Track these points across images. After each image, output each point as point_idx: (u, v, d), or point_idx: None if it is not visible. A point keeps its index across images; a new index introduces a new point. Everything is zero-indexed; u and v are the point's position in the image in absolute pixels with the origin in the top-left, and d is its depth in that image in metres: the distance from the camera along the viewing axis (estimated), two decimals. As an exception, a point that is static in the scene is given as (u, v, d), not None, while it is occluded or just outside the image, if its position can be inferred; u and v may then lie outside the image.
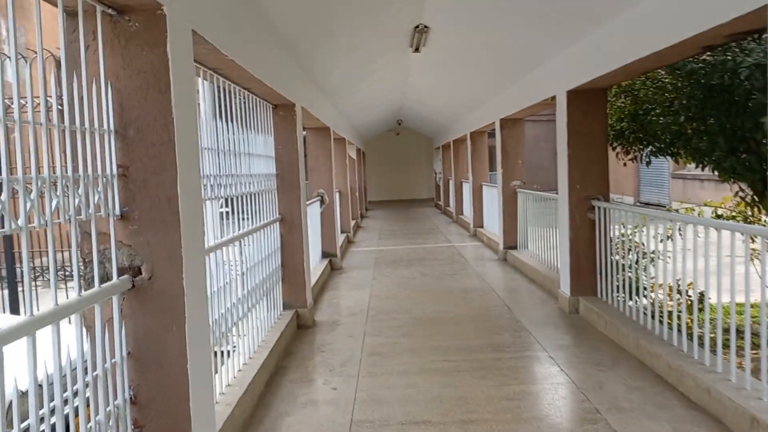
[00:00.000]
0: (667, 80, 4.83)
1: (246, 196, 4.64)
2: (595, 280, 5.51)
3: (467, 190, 13.38)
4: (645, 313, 4.65)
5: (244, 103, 4.74)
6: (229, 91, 4.44)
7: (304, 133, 8.92)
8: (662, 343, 4.10)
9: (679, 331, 4.02)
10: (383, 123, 18.44)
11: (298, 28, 4.87)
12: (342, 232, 11.76)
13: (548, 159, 23.08)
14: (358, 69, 7.67)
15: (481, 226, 11.83)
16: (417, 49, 7.29)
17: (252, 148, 4.82)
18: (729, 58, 3.88)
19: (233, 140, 4.40)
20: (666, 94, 4.80)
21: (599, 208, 5.40)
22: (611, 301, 5.20)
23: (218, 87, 4.04)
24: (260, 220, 4.99)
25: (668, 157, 5.97)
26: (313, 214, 8.22)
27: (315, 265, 7.94)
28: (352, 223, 13.67)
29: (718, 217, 6.30)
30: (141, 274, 2.33)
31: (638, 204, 18.54)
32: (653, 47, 3.80)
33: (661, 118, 4.74)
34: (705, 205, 6.57)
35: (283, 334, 4.97)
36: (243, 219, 4.63)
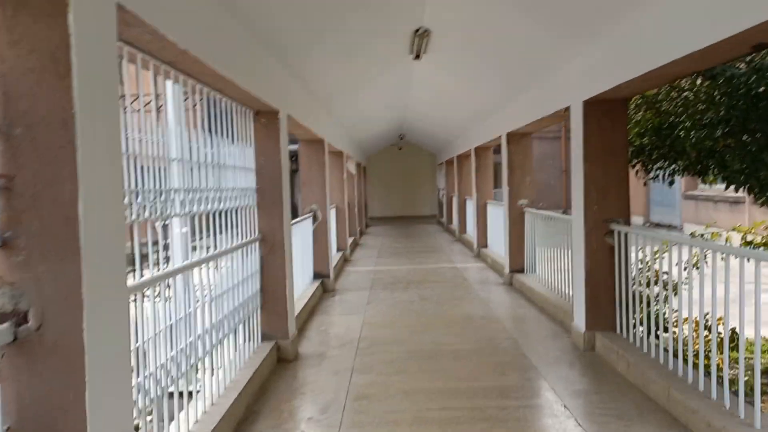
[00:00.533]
0: (701, 89, 4.24)
1: (218, 213, 4.06)
2: (613, 313, 4.87)
3: (471, 208, 12.77)
4: (675, 356, 4.01)
5: (217, 107, 4.17)
6: (202, 95, 3.88)
7: (296, 146, 8.36)
8: (699, 396, 3.46)
9: (720, 382, 3.38)
10: (385, 137, 17.90)
11: (282, 25, 4.30)
12: (338, 250, 11.16)
13: (555, 177, 22.50)
14: (355, 76, 7.12)
15: (486, 246, 11.20)
16: (418, 56, 6.72)
17: (226, 159, 4.23)
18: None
19: (201, 150, 3.83)
20: (698, 105, 4.21)
21: (619, 232, 4.79)
22: (632, 338, 4.56)
23: (189, 89, 3.48)
24: (235, 240, 4.40)
25: (694, 177, 5.36)
26: (303, 232, 7.63)
27: (305, 288, 7.33)
28: (350, 240, 13.07)
29: (748, 243, 5.67)
30: (27, 322, 1.73)
31: (648, 225, 17.89)
32: (692, 46, 3.21)
33: (692, 133, 4.15)
34: (733, 229, 5.94)
35: (259, 370, 4.34)
36: (213, 238, 4.04)
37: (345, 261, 11.11)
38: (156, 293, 3.01)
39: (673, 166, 4.95)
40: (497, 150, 10.66)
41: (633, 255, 4.69)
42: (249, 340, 4.76)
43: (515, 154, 8.17)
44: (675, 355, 4.10)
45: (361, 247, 13.78)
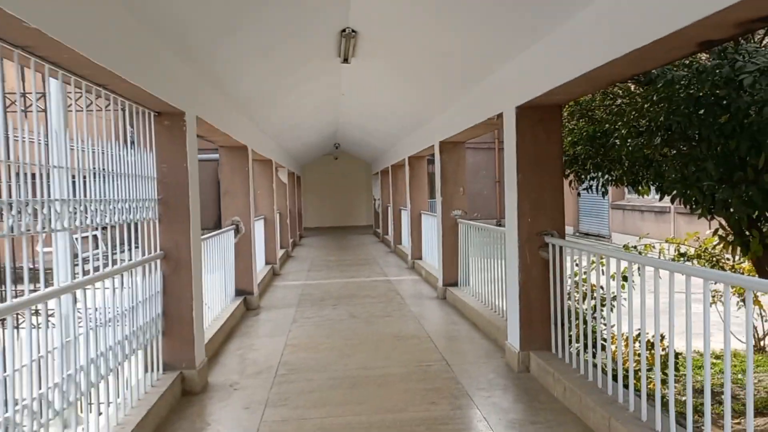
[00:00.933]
0: (636, 96, 4.01)
1: (110, 227, 3.49)
2: (548, 331, 4.57)
3: (406, 218, 12.44)
4: (613, 377, 3.73)
5: (102, 107, 3.60)
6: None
7: (216, 155, 7.76)
8: (641, 425, 3.15)
9: (665, 408, 3.09)
10: (319, 146, 17.40)
11: (180, 15, 3.77)
12: (267, 263, 10.56)
13: (489, 188, 22.60)
14: (277, 78, 6.61)
15: (420, 258, 10.87)
16: (346, 59, 6.29)
17: (116, 166, 3.66)
18: (724, 62, 3.06)
19: (89, 156, 3.27)
20: (634, 113, 3.96)
21: (554, 245, 4.50)
22: (568, 358, 4.25)
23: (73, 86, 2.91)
24: (131, 257, 3.81)
25: (627, 187, 5.17)
26: (224, 246, 7.04)
27: (224, 308, 6.72)
28: (281, 252, 12.48)
29: (682, 255, 5.53)
30: None
31: (578, 234, 18.14)
32: (630, 45, 2.92)
33: (628, 141, 3.90)
34: (667, 241, 5.80)
35: (155, 408, 3.76)
36: (107, 255, 3.46)
37: (274, 275, 10.52)
38: (19, 320, 2.44)
39: (606, 176, 4.72)
40: (432, 160, 10.41)
41: (568, 269, 4.41)
42: (149, 370, 4.17)
43: (448, 163, 7.87)
44: (614, 378, 3.82)
45: (293, 259, 13.19)
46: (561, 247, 4.45)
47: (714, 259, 5.32)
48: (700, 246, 5.62)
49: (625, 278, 4.82)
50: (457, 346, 5.48)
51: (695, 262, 5.40)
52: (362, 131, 13.62)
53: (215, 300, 6.44)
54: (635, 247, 5.58)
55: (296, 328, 6.39)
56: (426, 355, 5.17)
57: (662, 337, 4.13)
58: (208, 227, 9.41)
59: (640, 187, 4.95)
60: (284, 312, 7.32)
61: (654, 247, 5.64)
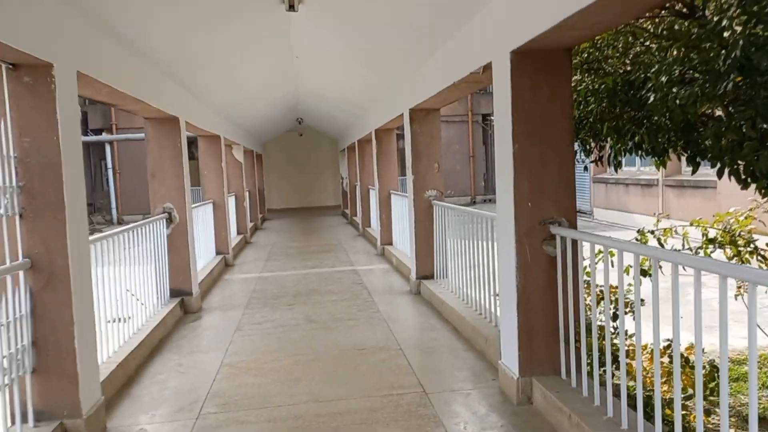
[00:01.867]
0: (681, 29, 2.90)
1: None
2: (556, 349, 3.49)
3: (374, 199, 11.29)
4: (647, 417, 2.68)
5: None
6: None
7: (141, 134, 6.46)
8: None
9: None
10: (281, 122, 16.04)
11: None
12: (217, 253, 9.32)
13: (462, 163, 21.55)
14: (208, 33, 5.33)
15: (391, 243, 9.75)
16: (292, 6, 5.04)
17: None
18: None
19: None
20: (681, 51, 2.86)
21: (563, 238, 3.40)
22: (586, 388, 3.18)
23: None
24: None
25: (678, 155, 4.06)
26: (154, 238, 5.81)
27: (152, 315, 5.51)
28: (237, 240, 11.24)
29: (710, 242, 4.48)
30: None
31: (558, 210, 17.21)
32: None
33: (673, 90, 2.79)
34: (692, 224, 4.75)
35: (3, 494, 2.58)
36: None
37: (226, 267, 9.29)
38: None
39: (629, 143, 3.62)
40: (403, 134, 9.24)
41: (584, 268, 3.33)
42: (14, 423, 3.00)
43: (420, 135, 6.70)
44: (648, 416, 2.78)
45: (251, 246, 11.95)
46: (573, 240, 3.36)
47: (751, 245, 4.30)
48: (729, 228, 4.58)
49: (644, 273, 3.80)
50: (435, 364, 4.38)
51: (728, 250, 4.36)
52: (325, 103, 12.34)
53: (138, 307, 5.24)
54: (652, 232, 4.52)
55: (239, 339, 5.22)
56: (397, 378, 4.05)
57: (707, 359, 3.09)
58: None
59: (694, 159, 3.86)
60: (229, 316, 6.14)
61: (676, 231, 4.58)
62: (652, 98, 3.12)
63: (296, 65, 8.40)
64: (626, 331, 3.54)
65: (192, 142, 8.96)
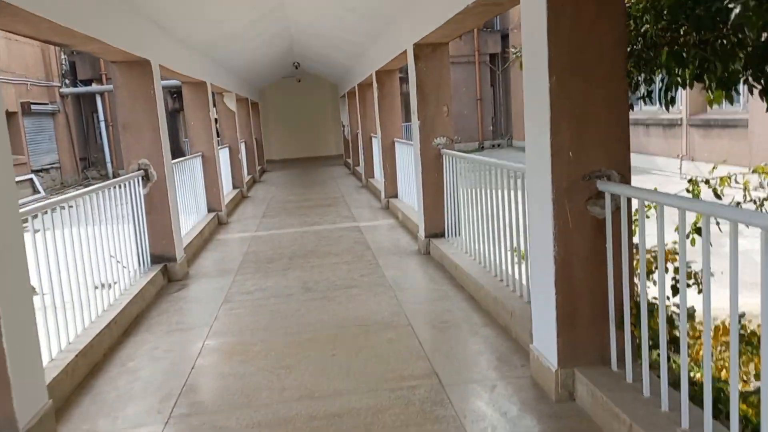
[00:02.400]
0: None
1: None
2: (605, 335, 2.81)
3: (377, 147, 10.50)
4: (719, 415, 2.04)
5: None
6: None
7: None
8: None
9: None
10: (276, 66, 15.06)
11: None
12: (210, 210, 8.65)
13: (469, 107, 20.54)
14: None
15: (396, 196, 9.03)
16: None
17: None
18: None
19: None
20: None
21: (613, 196, 2.68)
22: (646, 385, 2.51)
23: None
24: None
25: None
26: (130, 198, 5.12)
27: (126, 287, 4.85)
28: (231, 195, 10.55)
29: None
30: None
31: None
32: None
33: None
34: (755, 171, 3.99)
35: None
36: None
37: (219, 225, 8.63)
38: None
39: (696, 71, 2.84)
40: (405, 79, 8.38)
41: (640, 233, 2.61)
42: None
43: (427, 74, 5.87)
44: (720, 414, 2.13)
45: (248, 201, 11.27)
46: (628, 199, 2.64)
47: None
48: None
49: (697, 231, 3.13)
50: (452, 344, 3.73)
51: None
52: (321, 43, 11.37)
53: (117, 271, 4.59)
54: (707, 181, 3.78)
55: (226, 314, 4.59)
56: (407, 365, 3.41)
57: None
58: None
59: (730, 91, 3.09)
60: (217, 283, 5.51)
61: (735, 178, 3.83)
62: (738, 10, 2.33)
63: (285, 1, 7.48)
64: (692, 308, 2.87)
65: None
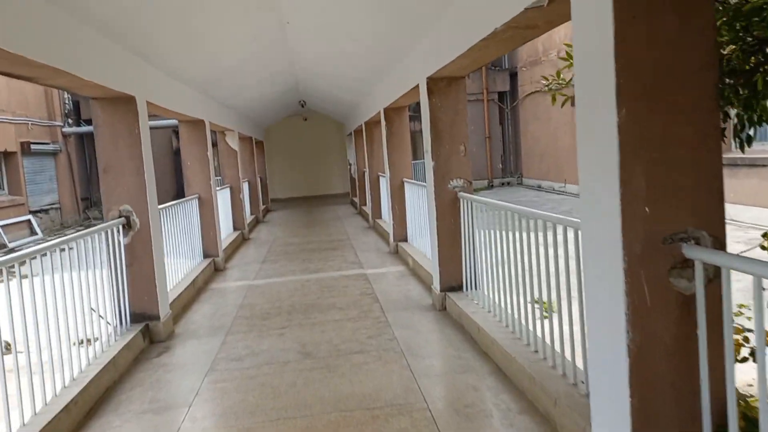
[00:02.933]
0: None
1: None
2: (697, 450, 2.08)
3: (385, 187, 9.87)
4: None
5: None
6: None
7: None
8: None
9: None
10: (281, 104, 14.59)
11: None
12: (205, 256, 7.97)
13: (477, 144, 20.00)
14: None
15: (405, 240, 8.35)
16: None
17: None
18: None
19: None
20: None
21: (706, 266, 1.99)
22: None
23: None
24: None
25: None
26: (108, 249, 4.45)
27: (98, 353, 4.13)
28: (231, 238, 9.89)
29: None
30: None
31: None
32: None
33: None
34: None
35: None
36: None
37: (215, 272, 7.94)
38: None
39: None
40: (416, 115, 7.80)
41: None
42: None
43: (442, 110, 5.25)
44: None
45: (249, 243, 10.60)
46: (727, 272, 1.94)
47: None
48: None
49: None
50: (482, 437, 2.98)
51: None
52: (328, 81, 10.87)
53: (95, 327, 3.88)
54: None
55: (209, 389, 3.86)
56: (428, 471, 2.66)
57: None
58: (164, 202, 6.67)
59: None
60: (204, 346, 4.78)
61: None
62: None
63: (288, 33, 6.95)
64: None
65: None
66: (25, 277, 3.36)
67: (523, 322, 3.82)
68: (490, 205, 4.40)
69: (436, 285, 5.44)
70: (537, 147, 18.61)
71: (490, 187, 19.70)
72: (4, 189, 14.46)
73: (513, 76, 20.14)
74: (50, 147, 16.13)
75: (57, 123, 16.82)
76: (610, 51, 2.04)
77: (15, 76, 3.47)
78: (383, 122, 8.40)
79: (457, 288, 5.29)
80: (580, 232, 2.53)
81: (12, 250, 13.10)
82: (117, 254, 4.78)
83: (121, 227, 4.87)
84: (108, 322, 4.71)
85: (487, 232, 4.56)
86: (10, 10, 3.02)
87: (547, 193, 17.06)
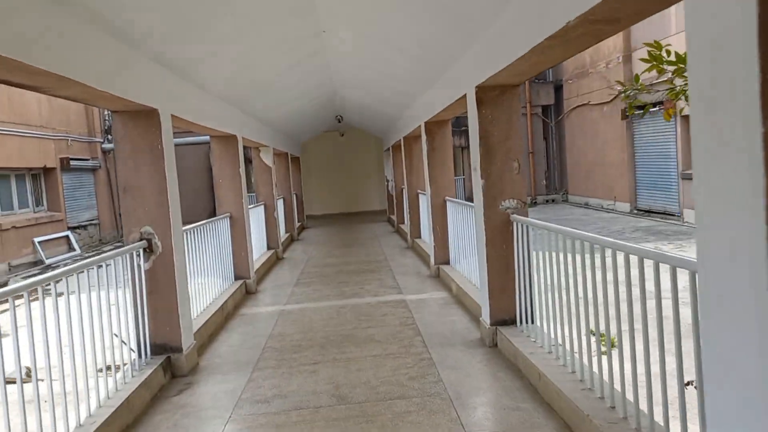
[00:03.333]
0: None
1: None
2: None
3: (425, 206, 9.36)
4: None
5: None
6: None
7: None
8: None
9: None
10: (318, 119, 14.29)
11: None
12: (237, 278, 7.59)
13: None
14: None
15: (447, 263, 7.80)
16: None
17: None
18: None
19: None
20: None
21: None
22: None
23: None
24: None
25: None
26: (131, 272, 4.06)
27: (114, 389, 3.71)
28: (264, 258, 9.52)
29: None
30: None
31: (636, 212, 14.85)
32: None
33: None
34: None
35: None
36: None
37: (246, 294, 7.53)
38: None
39: None
40: (460, 129, 7.29)
41: None
42: None
43: (493, 123, 4.72)
44: None
45: (283, 263, 10.21)
46: None
47: None
48: None
49: None
50: None
51: None
52: (366, 94, 10.47)
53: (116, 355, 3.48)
54: None
55: (231, 439, 3.39)
56: None
57: None
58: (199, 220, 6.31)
59: None
60: (229, 385, 4.32)
61: None
62: None
63: (325, 44, 6.55)
64: None
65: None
66: (60, 295, 2.99)
67: (595, 369, 3.23)
68: (551, 230, 3.82)
69: (486, 318, 4.88)
70: (583, 163, 17.82)
71: (534, 204, 18.97)
72: (43, 204, 14.51)
73: (558, 89, 19.46)
74: (89, 163, 16.19)
75: (97, 139, 16.92)
76: (752, 37, 1.50)
77: (16, 84, 3.10)
78: (424, 136, 7.91)
79: (510, 322, 4.72)
80: (697, 276, 1.95)
81: (49, 267, 13.05)
82: (137, 280, 4.40)
83: (142, 251, 4.48)
84: (132, 349, 4.37)
85: (542, 253, 4.00)
86: (41, 29, 2.66)
87: (595, 211, 16.25)
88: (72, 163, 14.95)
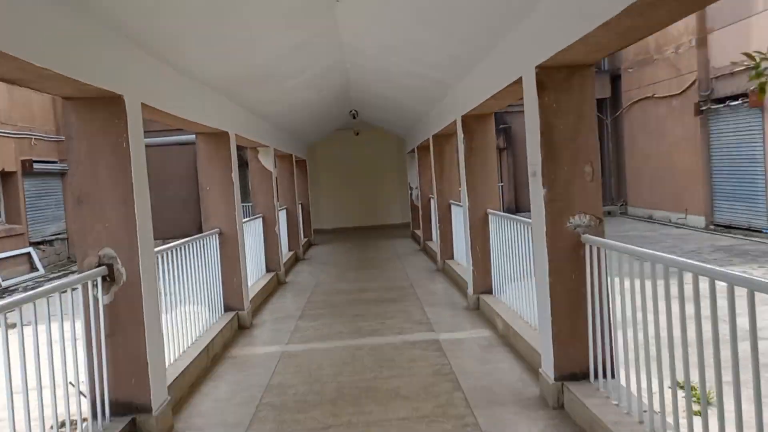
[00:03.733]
0: None
1: None
2: None
3: (459, 219, 8.83)
4: None
5: None
6: None
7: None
8: None
9: None
10: (328, 115, 13.87)
11: None
12: (228, 309, 7.11)
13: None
14: None
15: (489, 291, 7.25)
16: None
17: None
18: None
19: None
20: None
21: None
22: None
23: None
24: None
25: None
26: (83, 308, 3.59)
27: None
28: (262, 283, 9.06)
29: None
30: None
31: (713, 229, 14.17)
32: None
33: None
34: None
35: None
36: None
37: (238, 330, 7.04)
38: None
39: None
40: (504, 126, 6.74)
41: None
42: None
43: (559, 113, 4.19)
44: None
45: (285, 288, 9.74)
46: None
47: None
48: None
49: None
50: None
51: None
52: (388, 82, 9.98)
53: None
54: None
55: None
56: None
57: None
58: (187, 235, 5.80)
59: None
60: (211, 456, 3.82)
61: None
62: None
63: (339, 16, 6.09)
64: None
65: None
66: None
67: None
68: (646, 259, 3.25)
69: (548, 370, 4.32)
70: (647, 168, 17.18)
71: (607, 212, 18.34)
72: (0, 216, 14.22)
73: (615, 79, 18.89)
74: (57, 166, 15.91)
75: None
76: None
77: None
78: (460, 134, 7.40)
79: (582, 376, 4.15)
80: None
81: (5, 291, 12.71)
82: (93, 318, 3.92)
83: (100, 280, 4.00)
84: (84, 395, 3.93)
85: (623, 281, 3.45)
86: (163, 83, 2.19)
87: (662, 226, 15.58)
88: (35, 166, 14.68)
